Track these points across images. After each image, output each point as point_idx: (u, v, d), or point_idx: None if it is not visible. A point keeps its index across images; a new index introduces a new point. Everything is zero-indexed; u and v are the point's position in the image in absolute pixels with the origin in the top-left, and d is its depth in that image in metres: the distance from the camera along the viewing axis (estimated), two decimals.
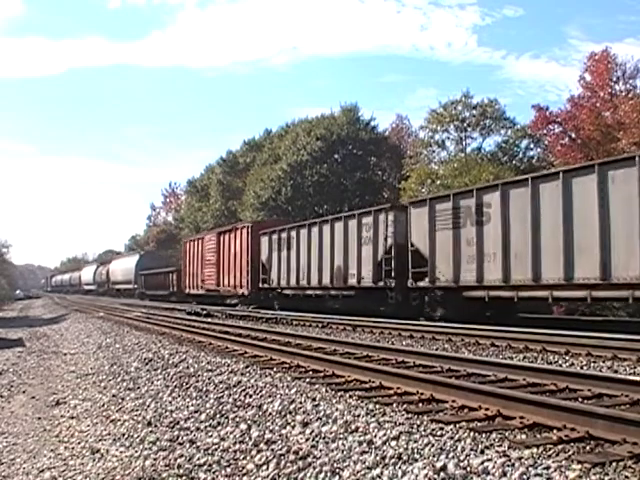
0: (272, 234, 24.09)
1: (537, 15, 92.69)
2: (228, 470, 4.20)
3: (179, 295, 37.24)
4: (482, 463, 3.58)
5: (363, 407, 5.26)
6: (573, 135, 27.11)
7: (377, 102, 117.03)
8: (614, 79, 27.72)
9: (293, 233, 22.45)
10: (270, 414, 5.34)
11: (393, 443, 4.12)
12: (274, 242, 23.83)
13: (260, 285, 24.79)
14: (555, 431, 4.30)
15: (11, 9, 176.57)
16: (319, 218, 22.63)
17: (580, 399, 5.38)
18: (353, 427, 4.60)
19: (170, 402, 6.50)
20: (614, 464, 3.56)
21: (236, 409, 5.73)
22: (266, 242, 24.51)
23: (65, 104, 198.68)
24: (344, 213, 21.15)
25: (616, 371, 7.34)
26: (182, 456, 4.59)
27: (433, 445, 4.03)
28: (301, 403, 5.55)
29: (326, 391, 6.12)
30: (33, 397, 8.17)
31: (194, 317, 20.59)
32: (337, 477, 3.75)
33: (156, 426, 5.62)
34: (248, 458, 4.34)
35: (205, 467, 4.32)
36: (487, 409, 4.97)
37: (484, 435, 4.29)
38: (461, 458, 3.73)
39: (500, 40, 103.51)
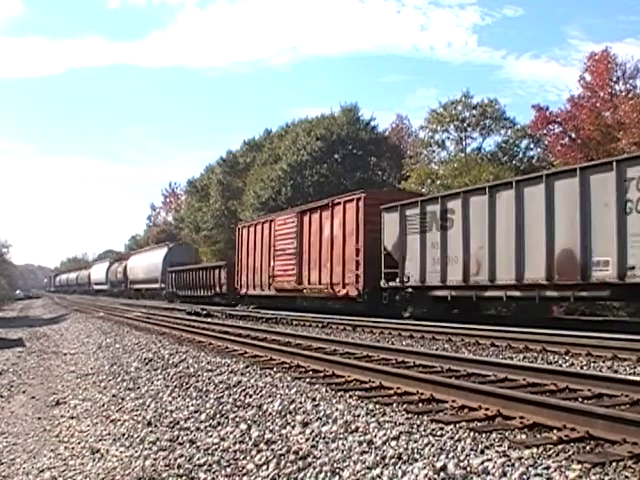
0: (407, 208, 16.75)
1: (537, 15, 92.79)
2: (228, 470, 4.20)
3: (229, 297, 29.24)
4: (482, 463, 3.58)
5: (363, 407, 5.26)
6: (573, 135, 27.10)
7: (377, 102, 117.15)
8: (614, 79, 27.71)
9: (454, 204, 15.19)
10: (270, 414, 5.34)
11: (393, 443, 4.13)
12: (412, 220, 16.59)
13: (384, 283, 17.19)
14: (555, 431, 4.30)
15: (11, 9, 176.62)
16: (511, 178, 15.45)
17: (580, 399, 5.38)
18: (353, 427, 4.61)
19: (170, 402, 6.50)
20: (614, 464, 3.56)
21: (236, 409, 5.73)
22: (394, 220, 16.89)
23: (65, 104, 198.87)
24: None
25: (616, 371, 7.34)
26: (182, 456, 4.59)
27: (433, 445, 4.03)
28: (301, 403, 5.55)
29: (326, 391, 6.12)
30: (33, 397, 8.17)
31: (194, 317, 20.59)
32: (337, 477, 3.75)
33: (156, 426, 5.62)
34: (248, 458, 4.34)
35: (205, 467, 4.32)
36: (487, 409, 4.97)
37: (484, 435, 4.29)
38: (461, 458, 3.73)
39: (500, 40, 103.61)
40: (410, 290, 16.53)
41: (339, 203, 19.86)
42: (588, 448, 3.97)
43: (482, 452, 3.85)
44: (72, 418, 6.57)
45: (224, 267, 30.69)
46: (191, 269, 35.89)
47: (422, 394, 5.71)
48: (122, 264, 55.92)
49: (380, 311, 16.90)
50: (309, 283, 21.31)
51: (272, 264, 23.96)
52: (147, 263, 46.76)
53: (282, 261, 23.25)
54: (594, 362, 8.12)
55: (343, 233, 19.25)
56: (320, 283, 20.50)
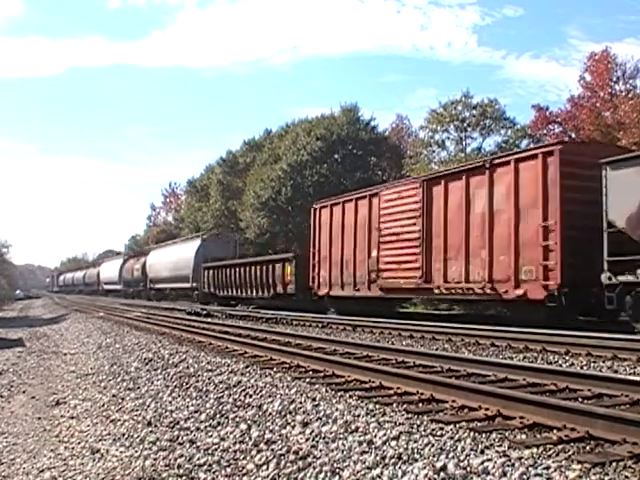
0: None
1: (537, 15, 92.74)
2: (228, 470, 4.20)
3: (300, 298, 22.38)
4: (482, 463, 3.58)
5: (363, 407, 5.26)
6: (573, 135, 27.07)
7: (377, 102, 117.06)
8: (614, 79, 27.72)
9: None
10: (270, 414, 5.34)
11: (393, 443, 4.13)
12: None
13: (609, 278, 11.60)
14: (555, 431, 4.30)
15: (11, 9, 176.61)
16: None
17: (580, 399, 5.39)
18: (353, 427, 4.61)
19: (170, 402, 6.50)
20: (614, 464, 3.56)
21: (236, 409, 5.73)
22: (632, 181, 11.25)
23: (65, 104, 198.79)
24: None
25: (616, 371, 7.34)
26: (182, 456, 4.59)
27: (433, 445, 4.03)
28: (301, 403, 5.55)
29: (326, 391, 6.12)
30: (33, 397, 8.17)
31: (194, 317, 20.59)
32: (337, 477, 3.75)
33: (156, 426, 5.62)
34: (248, 458, 4.34)
35: (205, 467, 4.32)
36: (487, 409, 4.97)
37: (484, 435, 4.29)
38: (461, 458, 3.73)
39: (500, 40, 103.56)
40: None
41: (505, 163, 14.07)
42: (588, 448, 3.98)
43: (482, 452, 3.85)
44: (72, 418, 6.57)
45: (290, 260, 23.27)
46: (237, 264, 28.46)
47: (422, 394, 5.71)
48: (140, 260, 48.35)
49: (597, 322, 12.48)
50: (445, 280, 15.33)
51: (375, 254, 17.64)
52: (174, 259, 38.74)
53: (394, 250, 16.99)
54: (594, 362, 8.13)
55: (515, 206, 13.58)
56: (468, 280, 14.68)
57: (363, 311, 17.65)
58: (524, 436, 4.31)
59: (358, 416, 4.91)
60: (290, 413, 5.26)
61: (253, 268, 26.53)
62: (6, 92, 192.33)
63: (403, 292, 17.28)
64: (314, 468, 3.91)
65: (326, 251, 20.34)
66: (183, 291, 37.94)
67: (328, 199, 21.68)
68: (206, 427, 5.28)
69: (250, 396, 6.17)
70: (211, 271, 31.71)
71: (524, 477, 3.36)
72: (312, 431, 4.64)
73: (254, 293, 26.52)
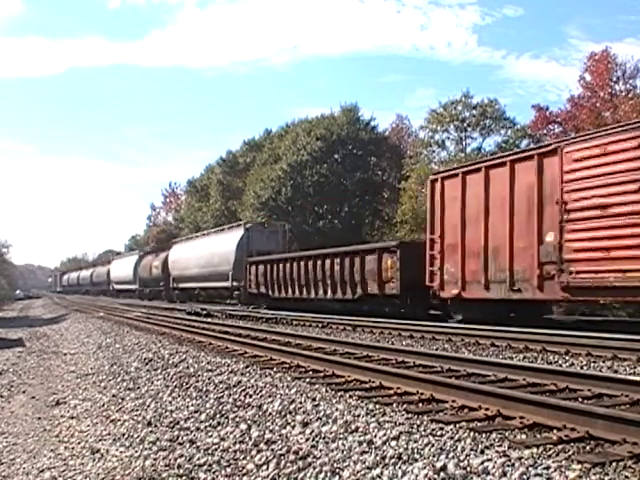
0: None
1: (537, 15, 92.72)
2: (228, 470, 4.20)
3: (407, 301, 17.07)
4: (482, 463, 3.58)
5: (363, 407, 5.26)
6: (573, 135, 27.07)
7: (377, 102, 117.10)
8: (614, 79, 27.74)
9: None
10: (270, 414, 5.34)
11: (393, 443, 4.13)
12: None
13: None
14: (555, 431, 4.30)
15: (10, 9, 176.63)
16: None
17: (580, 399, 5.38)
18: (353, 427, 4.61)
19: (170, 402, 6.50)
20: (614, 464, 3.56)
21: (236, 409, 5.73)
22: None
23: (65, 104, 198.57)
24: None
25: (616, 371, 7.34)
26: (182, 456, 4.59)
27: (433, 445, 4.03)
28: (301, 403, 5.55)
29: (326, 391, 6.12)
30: (33, 397, 8.18)
31: (194, 317, 20.59)
32: (337, 477, 3.75)
33: (156, 426, 5.62)
34: (248, 458, 4.34)
35: (205, 467, 4.32)
36: (487, 409, 4.97)
37: (484, 435, 4.29)
38: (461, 458, 3.73)
39: (500, 40, 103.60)
40: None
41: None
42: (588, 448, 3.98)
43: (482, 452, 3.85)
44: (72, 418, 6.57)
45: (392, 251, 17.17)
46: (302, 257, 22.28)
47: (422, 394, 5.71)
48: (159, 257, 41.90)
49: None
50: None
51: (552, 238, 12.19)
52: (206, 253, 31.94)
53: (595, 231, 11.47)
54: (594, 362, 8.13)
55: None
56: None
57: (523, 320, 12.86)
58: (524, 436, 4.31)
59: (358, 416, 4.91)
60: (290, 413, 5.26)
61: (329, 262, 20.23)
62: (6, 92, 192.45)
63: (614, 293, 11.39)
64: (314, 468, 3.91)
65: (455, 237, 14.75)
66: (218, 291, 31.95)
67: (455, 168, 16.46)
68: (206, 427, 5.28)
69: (250, 396, 6.17)
70: (261, 267, 25.09)
71: (524, 477, 3.36)
72: (312, 431, 4.64)
73: (329, 294, 20.22)
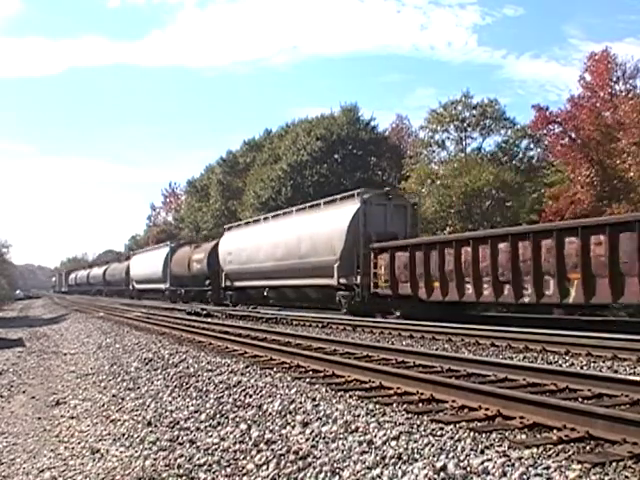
0: None
1: (537, 15, 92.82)
2: (228, 470, 4.20)
3: None
4: (482, 463, 3.58)
5: (363, 407, 5.26)
6: (573, 135, 27.07)
7: (377, 102, 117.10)
8: (614, 79, 27.71)
9: None
10: (270, 414, 5.34)
11: (393, 443, 4.12)
12: None
13: None
14: (555, 431, 4.30)
15: (10, 8, 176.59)
16: None
17: (580, 399, 5.38)
18: (353, 427, 4.60)
19: (170, 402, 6.50)
20: (614, 464, 3.56)
21: (236, 409, 5.73)
22: None
23: (65, 104, 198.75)
24: None
25: (616, 371, 7.34)
26: (182, 456, 4.59)
27: (433, 445, 4.03)
28: (301, 403, 5.55)
29: (326, 391, 6.12)
30: (33, 397, 8.17)
31: (194, 317, 20.58)
32: (337, 477, 3.75)
33: (156, 426, 5.62)
34: (248, 458, 4.34)
35: (205, 467, 4.32)
36: (487, 409, 4.97)
37: (484, 435, 4.29)
38: (461, 458, 3.73)
39: (500, 39, 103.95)
40: None
41: None
42: (588, 448, 3.98)
43: (482, 452, 3.85)
44: (72, 418, 6.56)
45: None
46: (504, 235, 14.40)
47: (422, 394, 5.71)
48: (203, 248, 33.31)
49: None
50: None
51: None
52: (289, 239, 22.92)
53: None
54: (594, 362, 8.13)
55: None
56: None
57: None
58: (524, 436, 4.31)
59: (358, 416, 4.91)
60: (290, 413, 5.26)
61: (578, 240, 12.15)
62: (6, 92, 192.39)
63: None
64: (314, 468, 3.91)
65: None
66: (315, 290, 21.92)
67: None
68: (206, 427, 5.28)
69: (250, 396, 6.17)
70: (401, 255, 17.34)
71: (524, 477, 3.36)
72: (312, 431, 4.64)
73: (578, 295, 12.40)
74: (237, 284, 27.67)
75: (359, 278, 18.71)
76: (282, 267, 22.90)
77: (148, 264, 42.54)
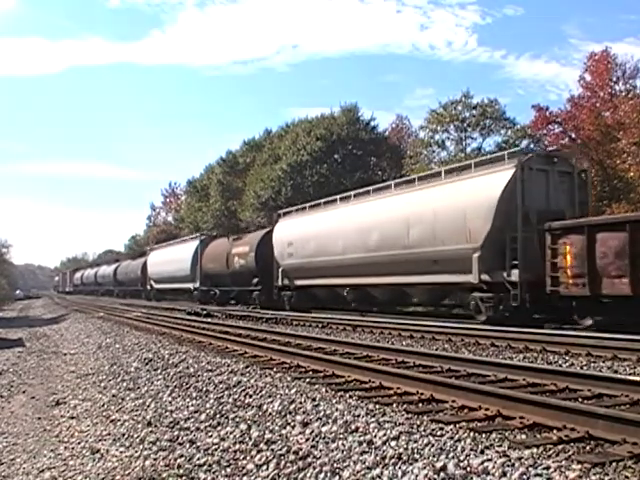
0: None
1: (537, 14, 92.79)
2: (228, 470, 4.20)
3: None
4: (482, 463, 3.58)
5: (363, 407, 5.26)
6: (573, 135, 27.10)
7: (377, 102, 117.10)
8: (614, 79, 27.73)
9: None
10: (270, 414, 5.34)
11: (393, 443, 4.12)
12: None
13: None
14: (555, 431, 4.30)
15: (10, 8, 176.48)
16: None
17: (580, 399, 5.39)
18: (353, 427, 4.60)
19: (170, 402, 6.50)
20: (614, 464, 3.56)
21: (236, 409, 5.73)
22: None
23: (65, 104, 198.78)
24: None
25: (616, 371, 7.34)
26: (182, 456, 4.59)
27: (433, 445, 4.03)
28: (301, 403, 5.55)
29: (326, 391, 6.12)
30: (33, 397, 8.18)
31: (194, 317, 20.58)
32: (337, 477, 3.75)
33: (156, 426, 5.62)
34: (248, 458, 4.34)
35: (205, 467, 4.32)
36: (487, 409, 4.97)
37: (484, 435, 4.30)
38: (461, 458, 3.73)
39: (500, 39, 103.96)
40: None
41: None
42: (588, 448, 3.98)
43: (482, 452, 3.85)
44: (72, 418, 6.56)
45: None
46: None
47: (422, 394, 5.71)
48: (247, 240, 27.35)
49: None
50: None
51: None
52: (397, 220, 17.15)
53: None
54: (594, 362, 8.13)
55: None
56: None
57: None
58: (524, 436, 4.31)
59: (358, 416, 4.91)
60: (290, 413, 5.25)
61: None
62: (5, 91, 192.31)
63: None
64: (314, 468, 3.91)
65: None
66: (427, 291, 17.30)
67: None
68: (206, 427, 5.28)
69: (250, 396, 6.17)
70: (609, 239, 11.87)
71: (524, 477, 3.35)
72: (312, 431, 4.64)
73: None
74: (299, 283, 22.44)
75: (516, 273, 13.40)
76: (376, 260, 17.59)
77: (171, 261, 36.74)
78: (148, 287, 42.64)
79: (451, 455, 3.81)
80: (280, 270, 23.27)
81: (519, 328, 11.21)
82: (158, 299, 39.74)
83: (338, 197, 21.50)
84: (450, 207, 15.25)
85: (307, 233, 21.73)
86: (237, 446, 4.61)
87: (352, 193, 20.89)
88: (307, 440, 4.45)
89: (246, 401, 6.00)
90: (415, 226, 16.26)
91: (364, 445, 4.17)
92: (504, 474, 3.42)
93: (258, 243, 25.56)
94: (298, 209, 24.30)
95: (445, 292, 16.87)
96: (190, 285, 33.62)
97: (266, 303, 24.30)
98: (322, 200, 22.55)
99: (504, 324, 12.47)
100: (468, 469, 3.54)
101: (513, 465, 3.53)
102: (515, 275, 13.42)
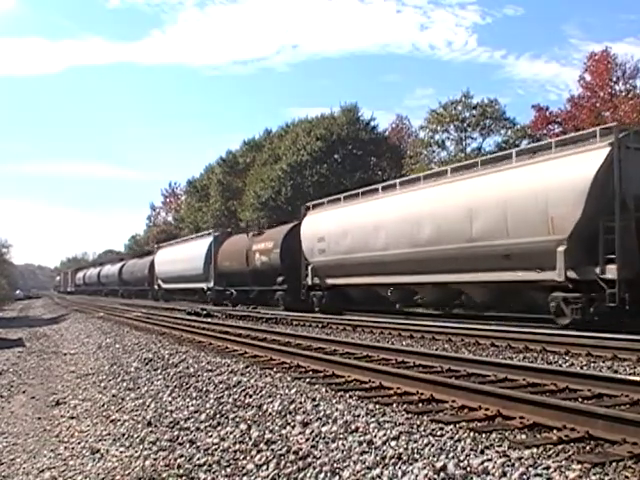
0: None
1: (537, 14, 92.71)
2: (228, 470, 4.20)
3: None
4: (482, 463, 3.58)
5: (363, 407, 5.26)
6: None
7: (377, 102, 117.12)
8: (614, 79, 27.76)
9: None
10: (270, 414, 5.34)
11: (393, 443, 4.12)
12: None
13: None
14: (555, 431, 4.30)
15: (9, 8, 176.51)
16: None
17: (580, 399, 5.38)
18: (353, 427, 4.60)
19: (170, 402, 6.50)
20: (614, 464, 3.56)
21: (236, 409, 5.73)
22: None
23: (65, 103, 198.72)
24: None
25: (616, 371, 7.34)
26: (182, 456, 4.59)
27: (433, 445, 4.03)
28: (301, 403, 5.55)
29: (326, 391, 6.12)
30: (33, 397, 8.18)
31: (194, 317, 20.59)
32: (337, 477, 3.75)
33: (156, 426, 5.62)
34: (248, 458, 4.34)
35: (205, 467, 4.32)
36: (487, 409, 4.97)
37: (484, 435, 4.30)
38: (461, 458, 3.73)
39: (500, 39, 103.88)
40: None
41: None
42: (588, 448, 3.98)
43: (482, 452, 3.85)
44: (72, 418, 6.57)
45: None
46: None
47: (422, 394, 5.71)
48: (270, 235, 25.40)
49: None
50: None
51: None
52: (456, 209, 14.97)
53: None
54: (594, 362, 8.13)
55: None
56: None
57: None
58: (524, 436, 4.31)
59: (358, 416, 4.91)
60: (290, 413, 5.25)
61: None
62: (5, 91, 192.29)
63: None
64: (314, 468, 3.91)
65: None
66: (489, 291, 14.92)
67: None
68: (206, 427, 5.28)
69: (250, 396, 6.17)
70: None
71: (524, 477, 3.35)
72: (312, 431, 4.63)
73: None
74: (331, 282, 20.48)
75: (613, 269, 11.45)
76: (429, 256, 15.55)
77: (181, 259, 34.67)
78: (155, 287, 41.03)
79: (451, 455, 3.81)
80: (310, 268, 21.16)
81: (518, 328, 11.20)
82: (166, 299, 38.21)
83: (380, 186, 19.19)
84: (527, 193, 13.06)
85: (342, 227, 19.52)
86: (237, 446, 4.61)
87: (397, 181, 18.80)
88: (307, 440, 4.45)
89: (246, 401, 6.00)
90: (480, 216, 14.10)
91: (364, 445, 4.17)
92: (504, 474, 3.42)
93: (283, 238, 23.69)
94: (330, 200, 21.71)
95: (512, 292, 14.40)
96: (203, 285, 31.60)
97: (292, 304, 22.43)
98: (360, 190, 20.20)
99: (591, 329, 11.02)
100: (468, 469, 3.54)
101: (513, 465, 3.53)
102: (612, 272, 11.37)
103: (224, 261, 29.00)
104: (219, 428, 5.18)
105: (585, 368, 7.69)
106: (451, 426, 4.53)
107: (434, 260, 15.37)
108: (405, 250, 16.40)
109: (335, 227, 19.96)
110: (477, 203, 14.34)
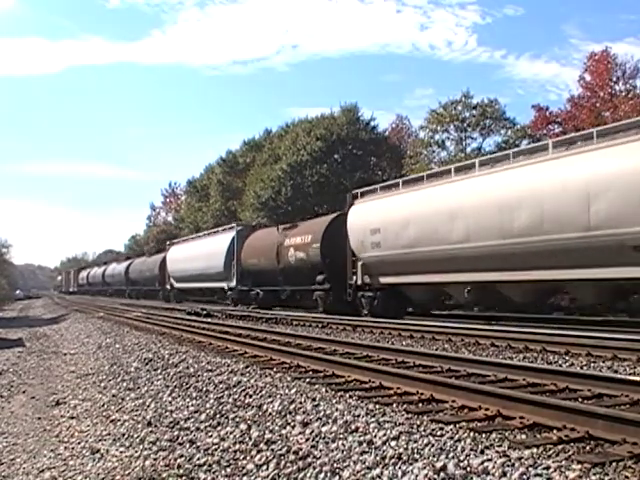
0: None
1: (537, 14, 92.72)
2: (228, 470, 4.20)
3: None
4: (482, 463, 3.58)
5: (363, 407, 5.26)
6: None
7: (377, 102, 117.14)
8: (614, 79, 27.77)
9: None
10: (270, 414, 5.34)
11: (393, 443, 4.12)
12: None
13: None
14: (555, 431, 4.30)
15: (9, 8, 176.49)
16: None
17: (580, 399, 5.38)
18: (353, 427, 4.60)
19: (170, 402, 6.50)
20: (614, 464, 3.56)
21: (236, 409, 5.73)
22: None
23: (65, 103, 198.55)
24: None
25: (616, 371, 7.34)
26: (182, 456, 4.59)
27: (433, 445, 4.03)
28: (301, 403, 5.55)
29: (326, 391, 6.12)
30: (33, 397, 8.18)
31: (194, 317, 20.59)
32: (337, 477, 3.75)
33: (156, 426, 5.62)
34: (248, 458, 4.34)
35: (205, 467, 4.32)
36: (487, 409, 4.97)
37: (484, 435, 4.29)
38: (461, 458, 3.73)
39: (500, 39, 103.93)
40: None
41: None
42: (588, 448, 3.98)
43: (482, 452, 3.85)
44: (72, 418, 6.57)
45: None
46: None
47: (422, 394, 5.71)
48: (312, 227, 22.17)
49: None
50: None
51: None
52: (568, 192, 11.99)
53: None
54: (594, 362, 8.12)
55: None
56: None
57: None
58: (524, 436, 4.31)
59: (358, 416, 4.91)
60: (290, 413, 5.25)
61: None
62: (5, 91, 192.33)
63: None
64: (314, 468, 3.91)
65: None
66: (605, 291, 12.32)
67: None
68: (206, 427, 5.28)
69: (250, 396, 6.17)
70: None
71: (524, 477, 3.35)
72: (312, 431, 4.63)
73: None
74: (385, 280, 17.56)
75: None
76: (527, 248, 12.78)
77: (198, 256, 31.30)
78: (167, 287, 37.69)
79: (451, 455, 3.81)
80: (359, 265, 18.29)
81: (518, 328, 11.20)
82: (179, 300, 34.97)
83: (452, 167, 16.20)
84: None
85: (402, 216, 16.48)
86: (237, 446, 4.61)
87: (476, 160, 15.81)
88: (307, 440, 4.45)
89: (246, 401, 6.00)
90: (602, 198, 11.33)
91: (364, 445, 4.17)
92: (504, 474, 3.42)
93: (325, 231, 20.60)
94: (384, 186, 18.82)
95: (630, 292, 12.04)
96: (224, 284, 28.31)
97: (333, 306, 19.60)
98: (424, 173, 17.75)
99: None
100: (468, 469, 3.54)
101: (513, 465, 3.53)
102: None
103: (249, 258, 25.95)
104: (219, 428, 5.18)
105: (585, 368, 7.69)
106: (451, 426, 4.53)
107: (533, 253, 12.62)
108: (493, 242, 13.51)
109: (393, 217, 16.86)
110: (597, 182, 11.49)
